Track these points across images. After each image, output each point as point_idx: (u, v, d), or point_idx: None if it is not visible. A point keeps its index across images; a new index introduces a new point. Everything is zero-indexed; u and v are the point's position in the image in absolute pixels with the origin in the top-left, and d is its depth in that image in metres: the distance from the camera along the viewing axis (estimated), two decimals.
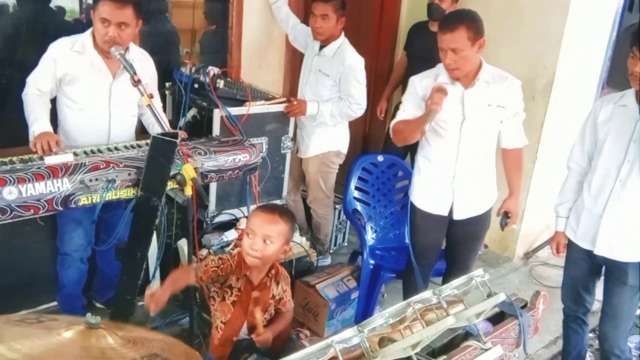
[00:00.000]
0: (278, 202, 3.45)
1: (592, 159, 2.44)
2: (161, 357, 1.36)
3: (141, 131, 2.84)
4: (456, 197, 2.60)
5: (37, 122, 2.36)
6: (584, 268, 2.51)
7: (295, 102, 3.26)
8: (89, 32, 2.48)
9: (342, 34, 3.30)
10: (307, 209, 3.69)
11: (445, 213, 2.63)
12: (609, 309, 2.46)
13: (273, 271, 2.07)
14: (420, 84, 2.55)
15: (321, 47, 3.31)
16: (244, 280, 2.03)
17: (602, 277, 2.53)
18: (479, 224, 2.72)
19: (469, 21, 2.34)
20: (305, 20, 3.53)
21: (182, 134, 2.57)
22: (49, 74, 2.44)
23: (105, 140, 2.56)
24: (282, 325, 2.11)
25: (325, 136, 3.40)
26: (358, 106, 3.27)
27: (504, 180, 2.72)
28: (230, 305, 2.05)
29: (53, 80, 2.45)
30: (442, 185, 2.60)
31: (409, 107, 2.56)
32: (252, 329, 2.08)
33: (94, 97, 2.51)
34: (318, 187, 3.50)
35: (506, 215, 2.69)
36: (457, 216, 2.63)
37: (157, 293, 1.85)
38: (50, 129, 2.39)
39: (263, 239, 1.95)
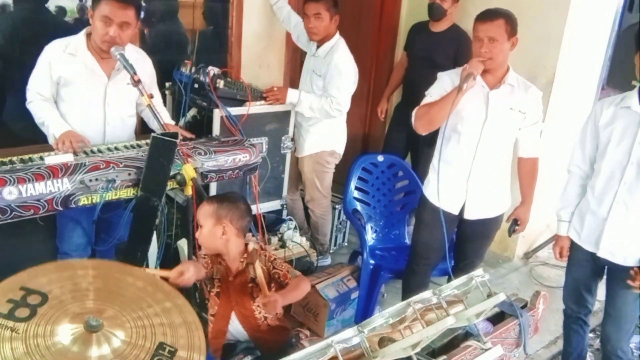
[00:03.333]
0: (278, 202, 3.45)
1: (593, 163, 2.42)
2: (167, 347, 1.36)
3: (141, 131, 2.84)
4: (469, 197, 2.61)
5: (55, 124, 2.38)
6: (587, 270, 2.50)
7: (275, 88, 3.23)
8: (82, 33, 2.47)
9: (337, 33, 3.30)
10: (306, 208, 3.68)
11: (456, 212, 2.64)
12: (612, 311, 2.45)
13: (245, 255, 2.10)
14: (448, 77, 2.58)
15: (317, 48, 3.32)
16: (223, 269, 2.09)
17: (605, 278, 2.52)
18: (489, 225, 2.73)
19: (508, 16, 2.42)
20: None
21: (187, 134, 2.57)
22: (47, 77, 2.44)
23: (100, 141, 2.55)
24: (296, 293, 2.06)
25: (320, 135, 3.39)
26: (338, 108, 3.22)
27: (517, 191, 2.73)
28: (215, 297, 2.11)
29: (51, 83, 2.45)
30: (457, 184, 2.61)
31: (435, 93, 2.57)
32: (249, 326, 2.10)
33: (88, 98, 2.50)
34: (314, 186, 3.50)
35: (515, 222, 2.71)
36: (467, 216, 2.65)
37: (188, 275, 1.90)
38: (68, 127, 2.40)
39: (200, 225, 2.08)
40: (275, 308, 1.92)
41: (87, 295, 1.47)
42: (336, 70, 3.18)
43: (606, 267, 2.45)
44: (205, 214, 2.07)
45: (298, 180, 3.66)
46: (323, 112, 3.24)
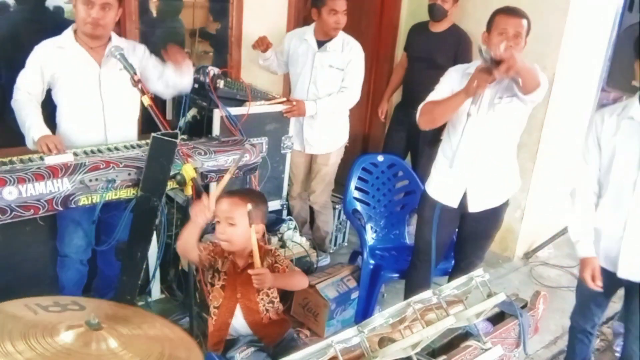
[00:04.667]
0: (278, 202, 3.45)
1: (599, 177, 2.27)
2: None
3: (141, 131, 2.84)
4: (469, 190, 2.59)
5: (34, 128, 2.36)
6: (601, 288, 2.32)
7: (294, 104, 3.26)
8: (69, 28, 2.50)
9: None
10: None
11: (455, 205, 2.63)
12: (633, 328, 2.31)
13: (231, 248, 2.10)
14: (456, 73, 2.55)
15: (321, 43, 3.32)
16: (229, 263, 2.09)
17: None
18: (489, 221, 2.70)
19: (528, 19, 2.43)
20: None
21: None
22: (37, 77, 2.45)
23: (102, 131, 2.56)
24: (290, 281, 2.14)
25: (345, 127, 3.52)
26: (355, 96, 3.37)
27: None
28: (220, 290, 2.11)
29: (42, 82, 2.46)
30: (457, 177, 2.58)
31: (442, 89, 2.53)
32: (251, 319, 2.11)
33: (83, 89, 2.51)
34: (331, 178, 3.58)
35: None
36: (472, 209, 2.61)
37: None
38: (48, 131, 2.39)
39: (227, 222, 2.03)
40: (263, 282, 1.97)
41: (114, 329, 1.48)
42: (358, 62, 3.34)
43: (624, 284, 2.32)
44: (242, 213, 2.02)
45: (308, 180, 3.65)
46: (342, 107, 3.40)
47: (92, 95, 2.53)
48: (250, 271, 1.98)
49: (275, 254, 2.16)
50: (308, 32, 3.37)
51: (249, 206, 1.99)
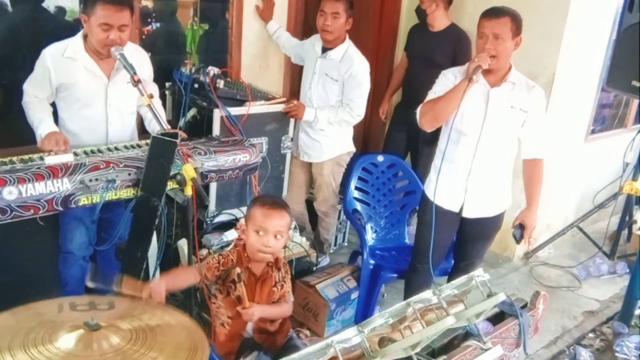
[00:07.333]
0: None
1: None
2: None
3: (141, 130, 2.84)
4: (468, 195, 2.61)
5: (43, 125, 2.38)
6: None
7: (294, 103, 3.26)
8: (79, 36, 2.47)
9: (347, 36, 3.28)
10: (310, 210, 3.68)
11: (456, 210, 2.64)
12: None
13: (273, 259, 2.09)
14: (451, 74, 2.58)
15: (324, 50, 3.28)
16: (247, 273, 2.04)
17: None
18: (489, 225, 2.72)
19: (514, 15, 2.43)
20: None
21: (181, 134, 2.57)
22: (45, 81, 2.45)
23: (103, 141, 2.56)
24: (276, 312, 2.09)
25: (340, 138, 3.40)
26: (358, 113, 3.27)
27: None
28: (236, 300, 2.05)
29: (49, 87, 2.46)
30: (457, 183, 2.60)
31: (440, 90, 2.55)
32: (257, 325, 2.09)
33: (90, 101, 2.51)
34: (330, 187, 3.49)
35: (521, 227, 2.62)
36: (466, 214, 2.65)
37: (152, 284, 1.84)
38: (56, 128, 2.40)
39: (274, 235, 1.99)
40: (250, 318, 1.97)
41: (136, 320, 1.50)
42: (357, 77, 3.20)
43: None
44: (288, 224, 2.03)
45: (308, 187, 3.63)
46: (343, 122, 3.29)
47: (97, 108, 2.53)
48: (239, 307, 1.95)
49: (287, 271, 2.14)
50: (318, 37, 3.33)
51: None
